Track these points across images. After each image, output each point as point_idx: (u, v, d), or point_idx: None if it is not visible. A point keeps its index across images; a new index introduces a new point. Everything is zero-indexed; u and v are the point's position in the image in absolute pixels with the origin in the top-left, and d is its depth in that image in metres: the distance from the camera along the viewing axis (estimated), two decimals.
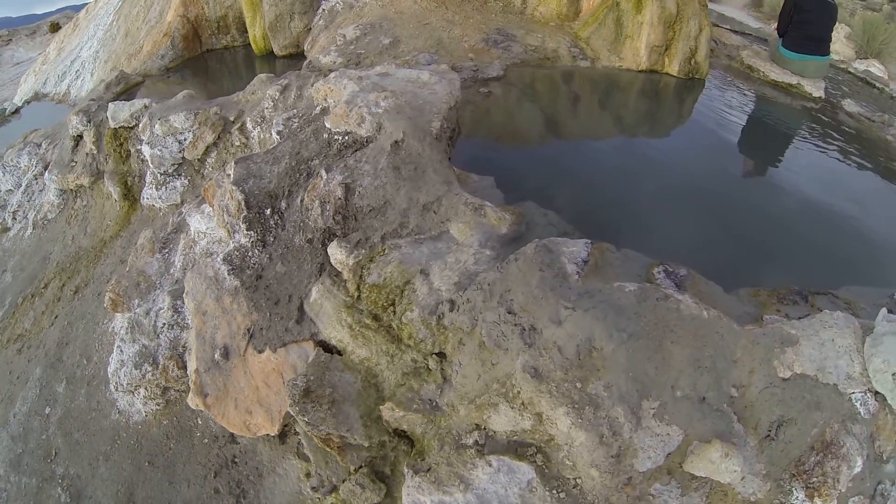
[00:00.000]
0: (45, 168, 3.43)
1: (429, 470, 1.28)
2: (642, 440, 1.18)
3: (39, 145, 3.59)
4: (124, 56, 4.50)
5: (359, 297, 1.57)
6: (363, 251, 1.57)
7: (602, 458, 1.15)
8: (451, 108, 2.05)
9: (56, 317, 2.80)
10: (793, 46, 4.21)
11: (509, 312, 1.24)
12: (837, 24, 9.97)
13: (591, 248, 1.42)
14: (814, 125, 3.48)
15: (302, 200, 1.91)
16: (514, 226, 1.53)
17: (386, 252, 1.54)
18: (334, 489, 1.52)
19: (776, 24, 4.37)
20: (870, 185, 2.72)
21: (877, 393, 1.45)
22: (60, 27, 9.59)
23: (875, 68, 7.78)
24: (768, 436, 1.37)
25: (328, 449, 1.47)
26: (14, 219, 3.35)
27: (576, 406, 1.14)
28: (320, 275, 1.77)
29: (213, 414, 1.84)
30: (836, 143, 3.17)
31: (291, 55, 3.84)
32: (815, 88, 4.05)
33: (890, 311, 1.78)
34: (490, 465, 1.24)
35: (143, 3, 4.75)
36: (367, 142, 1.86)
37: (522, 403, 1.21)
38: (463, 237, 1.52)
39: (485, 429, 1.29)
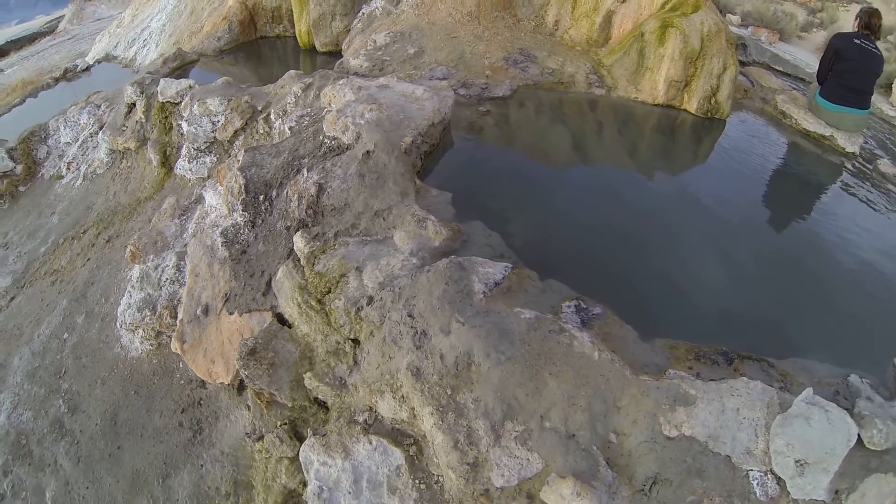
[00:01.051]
0: (101, 128, 4.02)
1: (324, 435, 1.60)
2: (499, 457, 1.37)
3: (99, 106, 4.20)
4: (187, 33, 5.10)
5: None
6: (318, 243, 1.92)
7: (456, 462, 1.39)
8: (434, 125, 2.36)
9: (88, 259, 3.34)
10: (830, 96, 4.10)
11: (409, 316, 1.54)
12: None
13: (509, 272, 1.68)
14: (836, 184, 3.43)
15: (287, 192, 2.29)
16: (448, 241, 1.82)
17: (336, 247, 1.88)
18: (261, 438, 1.88)
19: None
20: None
21: (781, 477, 1.41)
22: None
23: None
24: (642, 490, 1.40)
25: (259, 401, 1.83)
26: (68, 169, 3.97)
27: (440, 409, 1.41)
28: (288, 258, 2.13)
29: (186, 358, 2.25)
30: (857, 205, 3.12)
31: (331, 52, 4.26)
32: (850, 143, 3.95)
33: (836, 394, 1.75)
34: (370, 443, 1.54)
35: None
36: (347, 148, 2.21)
37: (402, 396, 1.50)
38: (402, 244, 1.82)
39: (375, 411, 1.59)
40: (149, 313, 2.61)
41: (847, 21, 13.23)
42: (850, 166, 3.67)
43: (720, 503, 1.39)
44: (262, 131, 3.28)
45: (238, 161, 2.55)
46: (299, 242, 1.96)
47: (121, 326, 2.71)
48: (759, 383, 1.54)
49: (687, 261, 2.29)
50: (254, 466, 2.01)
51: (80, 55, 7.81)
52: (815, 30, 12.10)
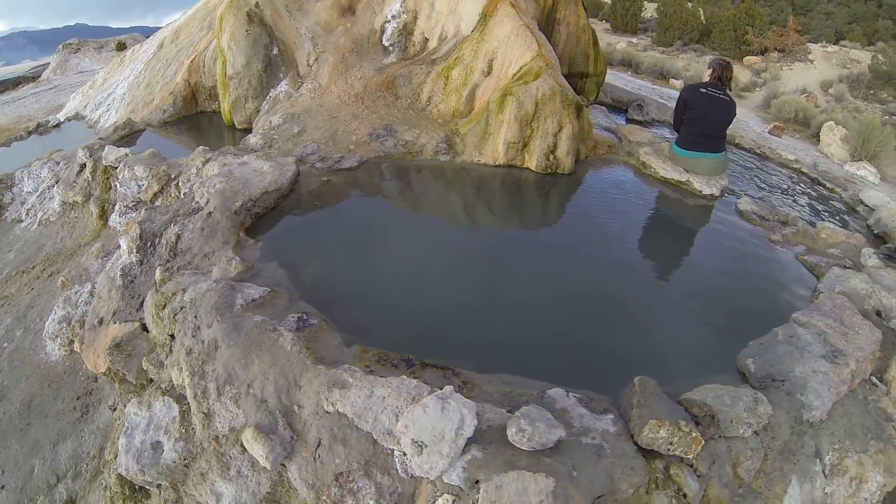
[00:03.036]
0: (57, 182, 5.29)
1: (141, 396, 2.70)
2: (219, 410, 2.29)
3: (58, 163, 5.49)
4: (141, 103, 6.47)
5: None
6: (167, 274, 3.08)
7: (196, 409, 2.38)
8: (268, 193, 3.57)
9: (32, 289, 4.51)
10: (683, 144, 4.56)
11: (195, 317, 2.67)
12: (835, 125, 10.43)
13: (265, 293, 2.81)
14: (677, 225, 3.98)
15: (162, 240, 3.47)
16: (241, 273, 2.97)
17: (175, 276, 3.04)
18: (115, 408, 2.97)
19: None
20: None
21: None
22: (126, 47, 12.32)
23: (865, 171, 8.29)
24: (313, 452, 1.92)
25: (115, 379, 2.94)
26: (27, 214, 5.20)
27: (193, 373, 2.45)
28: (154, 285, 3.29)
29: (83, 355, 3.36)
30: (689, 245, 3.69)
31: (246, 129, 5.56)
32: (707, 186, 4.45)
33: (525, 402, 2.03)
34: (163, 401, 2.60)
35: (164, 61, 6.78)
36: (201, 210, 3.41)
37: (180, 368, 2.60)
38: (214, 275, 2.98)
39: (171, 381, 2.69)
40: (65, 325, 3.75)
41: (790, 79, 14.97)
42: (699, 206, 4.20)
43: (357, 468, 1.84)
44: (173, 195, 4.52)
45: (140, 216, 3.76)
46: (157, 273, 3.13)
47: (46, 337, 3.83)
48: (414, 381, 2.00)
49: (456, 296, 2.95)
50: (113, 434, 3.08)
51: (57, 107, 9.30)
52: (757, 89, 13.73)
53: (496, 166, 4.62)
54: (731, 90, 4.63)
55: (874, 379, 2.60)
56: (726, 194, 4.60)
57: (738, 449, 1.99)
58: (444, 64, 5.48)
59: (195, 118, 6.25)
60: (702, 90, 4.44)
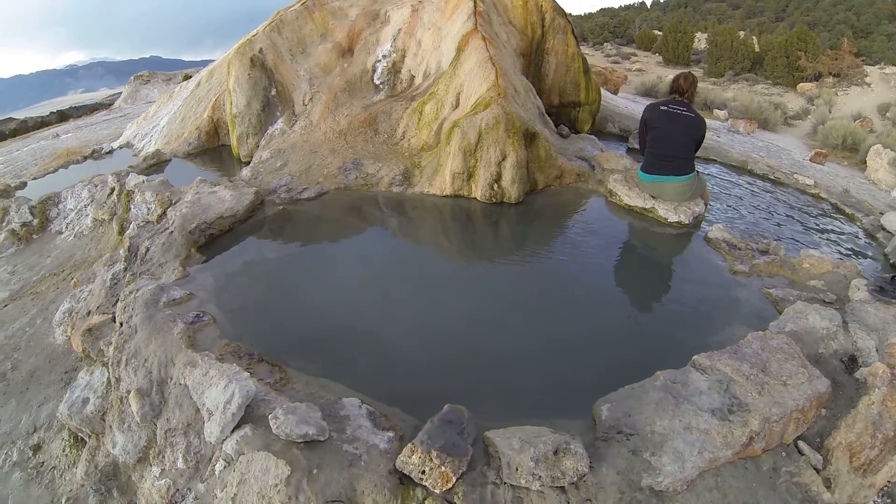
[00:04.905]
0: (91, 201, 6.78)
1: (91, 366, 3.77)
2: (124, 376, 3.23)
3: (96, 186, 7.01)
4: (175, 135, 7.99)
5: None
6: (132, 277, 4.21)
7: (111, 375, 3.38)
8: (223, 217, 4.65)
9: (58, 288, 5.88)
10: (646, 168, 4.40)
11: (132, 309, 3.72)
12: (882, 149, 10.06)
13: (184, 294, 3.82)
14: (625, 256, 4.02)
15: (138, 252, 4.63)
16: (179, 280, 4.01)
17: (136, 280, 4.15)
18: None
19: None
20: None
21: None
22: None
23: None
24: (169, 415, 3.08)
25: (82, 353, 4.05)
26: (67, 228, 6.71)
27: (117, 347, 3.43)
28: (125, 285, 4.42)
29: (71, 338, 4.54)
30: (629, 278, 3.72)
31: (248, 162, 6.79)
32: (674, 213, 4.32)
33: (327, 402, 2.51)
34: (101, 370, 3.67)
35: (197, 98, 8.31)
36: (168, 229, 4.55)
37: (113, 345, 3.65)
38: (163, 280, 4.06)
39: (107, 356, 3.75)
40: (68, 316, 4.99)
41: (845, 104, 14.46)
42: (661, 235, 4.19)
43: (180, 428, 2.56)
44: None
45: (132, 233, 4.99)
46: (127, 277, 4.26)
47: (55, 324, 5.10)
48: (236, 367, 2.55)
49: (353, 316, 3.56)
50: None
51: (121, 135, 11.31)
52: (809, 116, 13.50)
53: (443, 196, 5.09)
54: (692, 101, 4.33)
55: (801, 444, 2.22)
56: (703, 222, 4.46)
57: (532, 503, 1.82)
58: (420, 99, 6.24)
59: (216, 151, 7.63)
60: (662, 108, 4.23)
